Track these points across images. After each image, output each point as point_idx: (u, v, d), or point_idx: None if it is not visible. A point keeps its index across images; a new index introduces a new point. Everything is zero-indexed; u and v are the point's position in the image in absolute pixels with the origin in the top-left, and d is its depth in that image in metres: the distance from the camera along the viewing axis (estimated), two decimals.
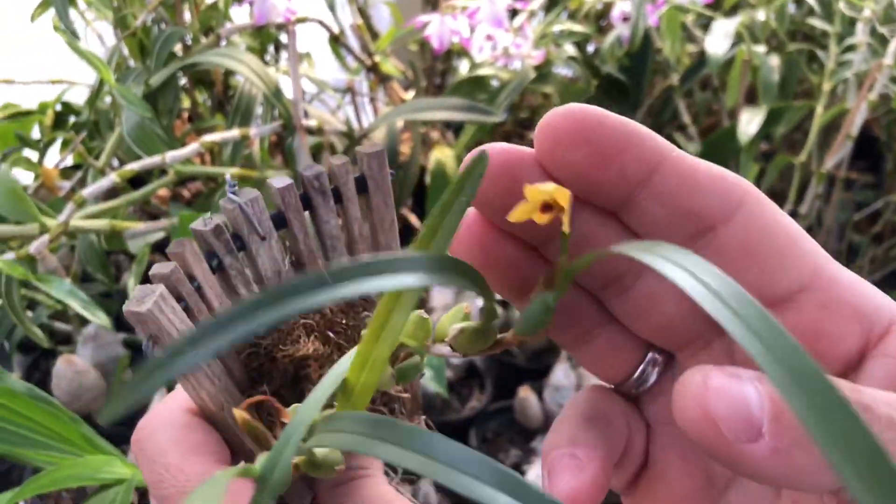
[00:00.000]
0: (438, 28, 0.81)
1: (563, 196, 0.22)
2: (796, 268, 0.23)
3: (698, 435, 0.20)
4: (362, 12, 0.97)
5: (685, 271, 0.18)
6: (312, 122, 0.71)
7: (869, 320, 0.23)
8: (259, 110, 0.78)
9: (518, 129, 1.10)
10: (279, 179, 0.25)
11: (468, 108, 0.76)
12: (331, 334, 0.26)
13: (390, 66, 1.00)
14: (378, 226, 0.29)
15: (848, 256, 1.06)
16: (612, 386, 0.27)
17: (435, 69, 1.11)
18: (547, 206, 0.22)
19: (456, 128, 1.09)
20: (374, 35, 1.00)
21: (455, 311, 0.26)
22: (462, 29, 0.82)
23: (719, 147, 0.95)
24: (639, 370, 0.27)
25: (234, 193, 0.23)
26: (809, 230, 1.06)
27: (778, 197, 0.96)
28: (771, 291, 0.23)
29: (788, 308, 0.24)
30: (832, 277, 0.23)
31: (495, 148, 0.24)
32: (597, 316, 0.27)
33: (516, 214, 0.23)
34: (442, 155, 0.87)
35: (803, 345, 0.21)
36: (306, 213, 0.27)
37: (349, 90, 0.89)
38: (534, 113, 1.06)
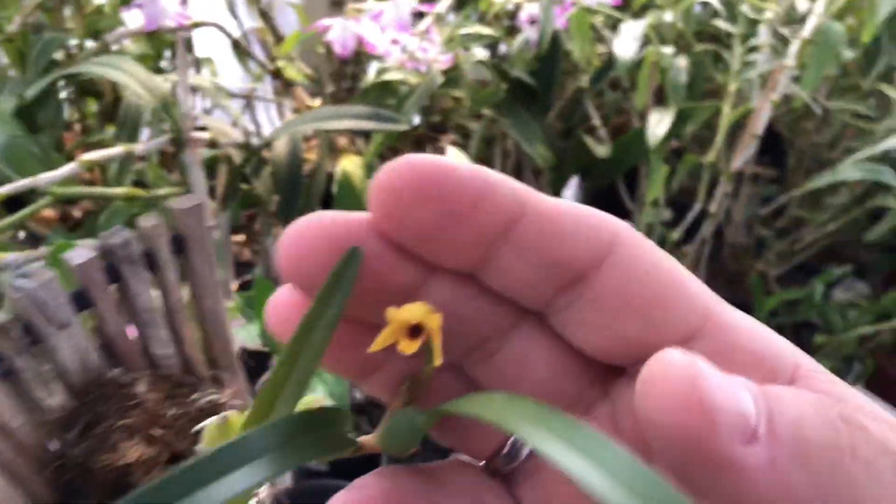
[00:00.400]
0: (341, 33, 0.78)
1: (434, 320, 0.20)
2: (684, 313, 0.21)
3: (680, 429, 0.17)
4: (264, 15, 0.93)
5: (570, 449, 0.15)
6: (205, 135, 0.67)
7: (771, 367, 0.21)
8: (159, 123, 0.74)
9: (430, 134, 1.07)
10: (79, 252, 0.22)
11: (374, 117, 0.73)
12: (156, 432, 0.23)
13: (294, 71, 0.96)
14: (202, 289, 0.26)
15: (756, 251, 1.07)
16: (481, 463, 0.25)
17: (344, 73, 1.08)
18: (414, 330, 0.20)
19: (366, 132, 1.06)
20: (279, 39, 0.96)
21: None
22: (366, 33, 0.79)
23: (629, 148, 0.95)
24: (508, 443, 0.24)
25: (23, 277, 0.20)
26: (720, 227, 1.07)
27: (688, 195, 0.97)
28: (657, 342, 0.21)
29: (695, 338, 0.21)
30: (725, 322, 0.21)
31: (320, 222, 0.21)
32: (456, 385, 0.24)
33: (378, 343, 0.20)
34: (350, 165, 0.84)
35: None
36: (115, 287, 0.24)
37: (249, 98, 0.85)
38: (445, 117, 1.04)
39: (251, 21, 0.94)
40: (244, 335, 0.61)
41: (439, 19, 0.86)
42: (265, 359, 0.68)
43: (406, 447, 0.21)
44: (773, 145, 1.16)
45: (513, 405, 0.17)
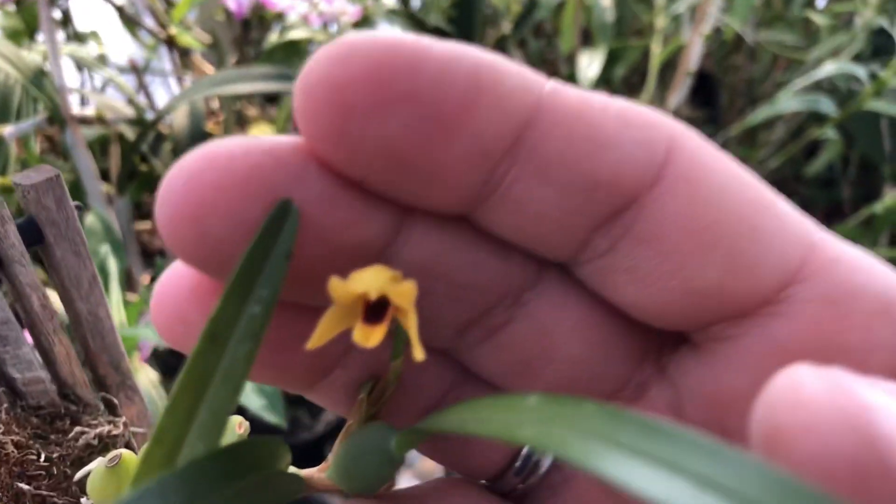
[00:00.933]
0: None
1: (404, 291, 0.13)
2: (779, 247, 0.15)
3: (839, 487, 0.11)
4: None
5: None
6: (89, 112, 0.59)
7: None
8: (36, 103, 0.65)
9: None
10: None
11: (281, 77, 0.66)
12: (23, 486, 0.17)
13: (191, 38, 0.88)
14: (72, 289, 0.19)
15: None
16: (484, 482, 0.19)
17: (247, 38, 1.00)
18: (374, 309, 0.14)
19: (275, 98, 0.98)
20: (170, 5, 0.87)
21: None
22: None
23: None
24: (522, 454, 0.18)
25: None
26: None
27: None
28: (747, 290, 0.15)
29: (777, 313, 0.15)
30: (833, 256, 0.15)
31: (226, 154, 0.14)
32: (441, 382, 0.18)
33: (318, 336, 0.14)
34: (261, 133, 0.76)
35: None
36: None
37: (139, 71, 0.76)
38: None
39: None
40: (152, 334, 0.54)
41: None
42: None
43: (371, 484, 0.15)
44: (703, 86, 1.13)
45: (542, 409, 0.11)
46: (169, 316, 0.15)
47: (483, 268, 0.16)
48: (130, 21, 0.82)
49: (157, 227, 0.14)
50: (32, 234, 0.20)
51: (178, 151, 0.66)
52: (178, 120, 0.69)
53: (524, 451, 0.18)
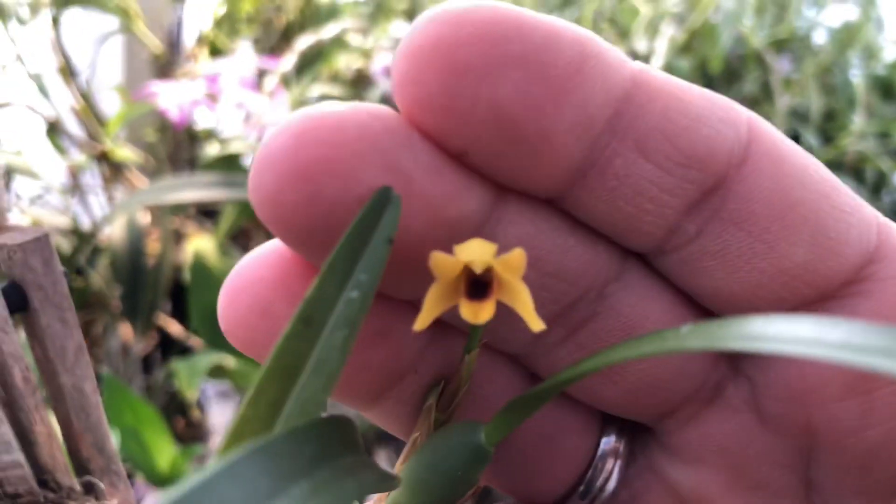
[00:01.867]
0: (176, 97, 0.69)
1: (511, 263, 0.13)
2: (857, 226, 0.15)
3: None
4: (84, 96, 0.83)
5: None
6: (22, 223, 0.56)
7: None
8: None
9: None
10: None
11: (227, 184, 0.65)
12: None
13: (125, 152, 0.86)
14: (57, 360, 0.18)
15: None
16: None
17: (180, 155, 0.98)
18: (478, 285, 0.13)
19: (214, 217, 0.96)
20: (102, 121, 0.86)
21: None
22: (204, 95, 0.71)
23: None
24: (591, 469, 0.17)
25: None
26: None
27: None
28: (832, 269, 0.15)
29: (861, 292, 0.15)
30: None
31: (318, 122, 0.13)
32: (517, 388, 0.17)
33: (426, 313, 0.13)
34: (201, 244, 0.74)
35: None
36: None
37: (73, 175, 0.74)
38: None
39: (66, 103, 0.83)
40: None
41: (286, 80, 0.79)
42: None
43: (456, 490, 0.14)
44: None
45: (699, 329, 0.12)
46: (248, 308, 0.15)
47: (571, 255, 0.15)
48: (61, 134, 0.80)
49: (254, 198, 0.13)
50: (17, 299, 0.17)
51: (116, 263, 0.63)
52: (116, 231, 0.66)
53: (590, 473, 0.17)
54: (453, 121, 0.13)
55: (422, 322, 0.13)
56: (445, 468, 0.15)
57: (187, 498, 0.08)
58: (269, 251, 0.15)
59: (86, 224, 0.73)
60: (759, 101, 1.00)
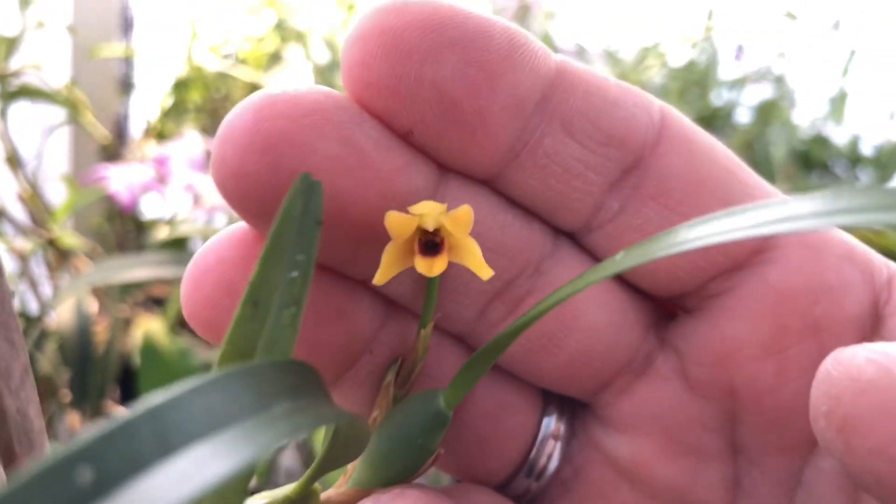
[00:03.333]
0: (125, 179, 0.70)
1: (460, 218, 0.14)
2: (761, 199, 0.17)
3: None
4: (31, 184, 0.83)
5: None
6: None
7: (867, 264, 0.17)
8: None
9: None
10: None
11: (175, 262, 0.65)
12: None
13: (73, 240, 0.86)
14: (1, 381, 0.18)
15: None
16: (491, 487, 0.18)
17: (129, 243, 0.98)
18: (430, 245, 0.14)
19: (164, 305, 0.95)
20: (49, 209, 0.86)
21: None
22: (153, 178, 0.72)
23: None
24: (534, 448, 0.18)
25: None
26: None
27: None
28: (740, 242, 0.17)
29: (768, 260, 0.17)
30: None
31: (270, 104, 0.14)
32: (457, 364, 0.18)
33: (383, 272, 0.15)
34: (151, 325, 0.74)
35: (803, 307, 0.15)
36: None
37: (23, 273, 0.73)
38: None
39: (12, 191, 0.83)
40: None
41: None
42: None
43: (416, 462, 0.15)
44: None
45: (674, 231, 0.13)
46: (213, 288, 0.15)
47: (509, 232, 0.17)
48: (6, 221, 0.79)
49: (216, 174, 0.14)
50: None
51: (64, 347, 0.63)
52: (64, 316, 0.66)
53: (533, 452, 0.18)
54: (399, 101, 0.15)
55: (380, 277, 0.14)
56: (407, 437, 0.15)
57: (177, 401, 0.09)
58: (232, 233, 0.16)
59: (33, 309, 0.73)
60: None
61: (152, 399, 0.10)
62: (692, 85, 1.18)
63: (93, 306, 0.88)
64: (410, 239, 0.14)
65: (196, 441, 0.09)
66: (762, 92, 1.24)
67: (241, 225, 0.16)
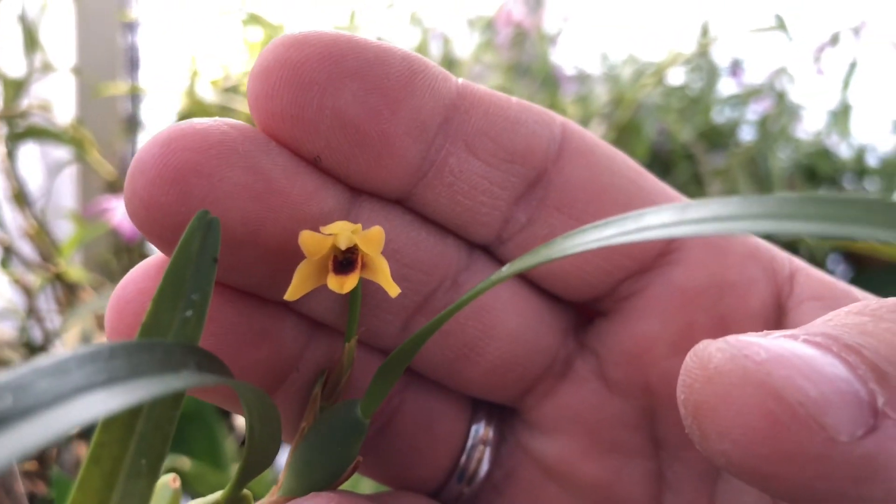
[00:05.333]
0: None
1: (372, 237, 0.15)
2: (662, 204, 0.17)
3: (762, 443, 0.11)
4: (38, 220, 0.85)
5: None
6: None
7: (770, 261, 0.18)
8: None
9: None
10: None
11: None
12: None
13: (80, 273, 0.87)
14: None
15: None
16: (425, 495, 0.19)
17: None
18: (344, 262, 0.15)
19: None
20: (56, 244, 0.88)
21: (159, 488, 0.17)
22: None
23: None
24: (465, 453, 0.19)
25: None
26: None
27: None
28: (645, 246, 0.17)
29: (673, 261, 0.18)
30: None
31: (179, 136, 0.15)
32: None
33: (294, 289, 0.15)
34: None
35: (708, 304, 0.15)
36: None
37: (31, 310, 0.75)
38: None
39: (20, 228, 0.85)
40: None
41: None
42: None
43: (337, 469, 0.15)
44: None
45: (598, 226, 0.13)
46: (133, 317, 0.16)
47: (423, 247, 0.17)
48: (14, 257, 0.81)
49: (129, 205, 0.14)
50: None
51: None
52: (70, 344, 0.67)
53: (464, 458, 0.19)
54: (304, 129, 0.15)
55: (291, 293, 0.15)
56: (327, 446, 0.16)
57: (90, 354, 0.10)
58: (150, 264, 0.16)
59: (37, 338, 0.74)
60: (692, 190, 1.06)
61: (55, 355, 0.10)
62: (691, 103, 1.19)
63: (101, 339, 0.89)
64: (325, 257, 0.15)
65: (110, 385, 0.10)
66: (764, 108, 1.24)
67: (159, 256, 0.16)
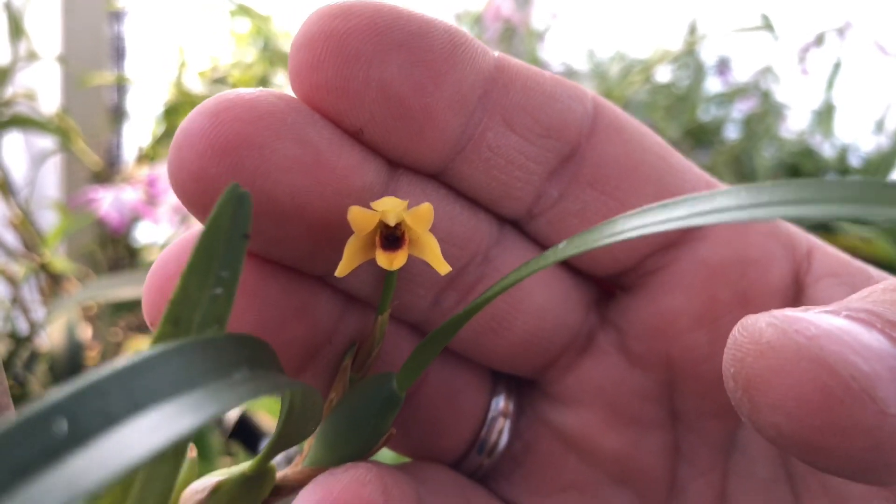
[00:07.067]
0: (115, 201, 0.71)
1: (420, 214, 0.15)
2: (691, 180, 0.18)
3: (816, 415, 0.11)
4: (22, 209, 0.84)
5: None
6: None
7: (789, 238, 0.18)
8: None
9: None
10: None
11: None
12: None
13: (64, 264, 0.86)
14: None
15: None
16: (447, 464, 0.19)
17: (120, 266, 0.99)
18: (390, 238, 0.15)
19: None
20: (41, 234, 0.87)
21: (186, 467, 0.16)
22: (143, 199, 0.73)
23: None
24: (486, 425, 0.19)
25: None
26: None
27: None
28: None
29: (698, 237, 0.18)
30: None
31: (223, 110, 0.14)
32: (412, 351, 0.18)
33: (344, 265, 0.15)
34: (141, 347, 0.74)
35: (731, 279, 0.16)
36: None
37: (16, 300, 0.74)
38: None
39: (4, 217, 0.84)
40: None
41: None
42: None
43: (369, 442, 0.15)
44: None
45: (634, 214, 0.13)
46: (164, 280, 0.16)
47: (458, 222, 0.17)
48: None
49: (175, 178, 0.14)
50: None
51: (55, 366, 0.63)
52: (55, 334, 0.66)
53: (484, 430, 0.19)
54: (348, 102, 0.15)
55: (342, 269, 0.15)
56: (361, 418, 0.16)
57: (143, 365, 0.10)
58: (191, 239, 0.16)
59: (23, 330, 0.73)
60: None
61: (119, 362, 0.10)
62: (677, 101, 1.20)
63: (86, 332, 0.88)
64: (371, 233, 0.15)
65: (163, 400, 0.10)
66: (749, 106, 1.25)
67: (196, 231, 0.16)
